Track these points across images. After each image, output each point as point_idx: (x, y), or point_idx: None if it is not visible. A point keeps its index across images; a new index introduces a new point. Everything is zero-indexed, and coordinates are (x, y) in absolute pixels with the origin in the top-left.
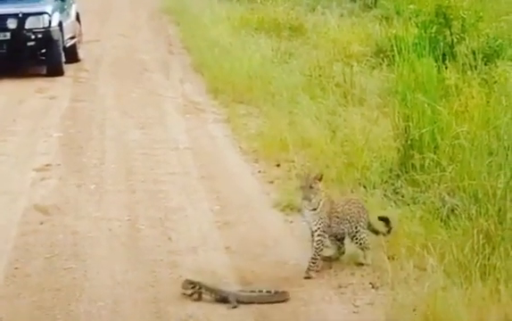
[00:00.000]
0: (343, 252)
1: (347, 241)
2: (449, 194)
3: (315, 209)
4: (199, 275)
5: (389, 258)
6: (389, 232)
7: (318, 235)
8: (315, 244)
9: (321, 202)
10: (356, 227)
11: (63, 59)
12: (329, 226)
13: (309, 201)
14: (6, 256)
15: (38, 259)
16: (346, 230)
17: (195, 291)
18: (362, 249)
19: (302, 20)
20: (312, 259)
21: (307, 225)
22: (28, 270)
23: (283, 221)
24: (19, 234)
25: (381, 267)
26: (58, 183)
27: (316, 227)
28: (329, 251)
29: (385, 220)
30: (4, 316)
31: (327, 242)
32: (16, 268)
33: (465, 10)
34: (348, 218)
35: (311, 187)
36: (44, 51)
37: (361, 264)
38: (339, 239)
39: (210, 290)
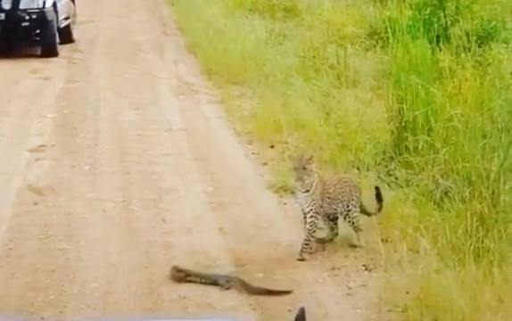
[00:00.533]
0: (337, 234)
1: (340, 221)
2: (442, 177)
3: (308, 191)
4: (193, 257)
5: (382, 240)
6: (379, 210)
7: (311, 217)
8: (308, 226)
9: (314, 184)
10: (348, 206)
11: (58, 40)
12: (321, 207)
13: (303, 182)
14: (0, 236)
15: (32, 239)
16: (338, 210)
17: (183, 278)
18: (355, 229)
19: (296, 1)
20: (305, 240)
21: (300, 206)
22: (22, 251)
23: (277, 203)
24: (13, 215)
25: (374, 250)
26: (52, 163)
27: (308, 209)
28: (322, 233)
29: (378, 194)
30: None
31: (320, 223)
32: (10, 249)
33: None
34: (340, 197)
35: (305, 168)
36: (38, 31)
37: (355, 246)
38: (332, 219)
39: (200, 276)
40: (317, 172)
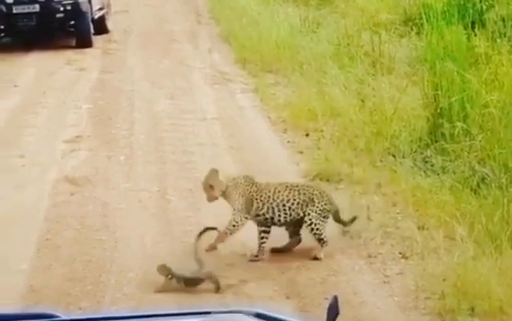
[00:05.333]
0: (299, 242)
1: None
2: (479, 163)
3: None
4: (228, 246)
5: (418, 227)
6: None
7: (233, 214)
8: (230, 220)
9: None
10: (308, 214)
11: (92, 30)
12: (248, 206)
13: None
14: (38, 227)
15: (69, 230)
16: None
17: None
18: (318, 239)
19: None
20: (224, 232)
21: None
22: (59, 241)
23: None
24: (50, 206)
25: (410, 237)
26: (88, 154)
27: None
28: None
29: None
30: (36, 287)
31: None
32: (47, 240)
33: None
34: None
35: (211, 186)
36: (73, 23)
37: (316, 257)
38: (293, 226)
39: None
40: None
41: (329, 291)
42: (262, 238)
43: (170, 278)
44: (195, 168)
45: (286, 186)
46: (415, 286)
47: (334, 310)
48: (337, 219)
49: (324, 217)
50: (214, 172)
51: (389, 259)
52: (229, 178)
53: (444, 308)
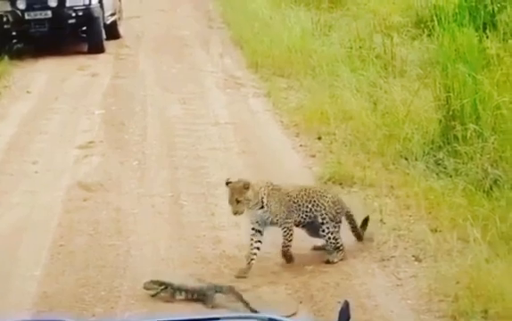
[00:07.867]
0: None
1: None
2: (491, 165)
3: (262, 208)
4: (242, 251)
5: (432, 230)
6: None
7: (282, 224)
8: (283, 233)
9: (264, 198)
10: (321, 219)
11: (104, 36)
12: (290, 212)
13: (241, 213)
14: (51, 233)
15: (82, 236)
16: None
17: (162, 290)
18: (334, 248)
19: None
20: (283, 246)
21: (252, 224)
22: (73, 247)
23: None
24: (63, 212)
25: (424, 240)
26: (101, 160)
27: (276, 220)
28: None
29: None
30: (49, 293)
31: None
32: (61, 245)
33: None
34: (308, 205)
35: (238, 201)
36: (85, 28)
37: (328, 261)
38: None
39: (184, 290)
40: (262, 187)
41: (343, 295)
42: (257, 248)
43: (166, 288)
44: (208, 173)
45: (304, 189)
46: (428, 289)
47: (345, 315)
48: (351, 222)
49: (337, 222)
50: (241, 186)
51: (402, 261)
52: (259, 189)
53: (458, 311)
